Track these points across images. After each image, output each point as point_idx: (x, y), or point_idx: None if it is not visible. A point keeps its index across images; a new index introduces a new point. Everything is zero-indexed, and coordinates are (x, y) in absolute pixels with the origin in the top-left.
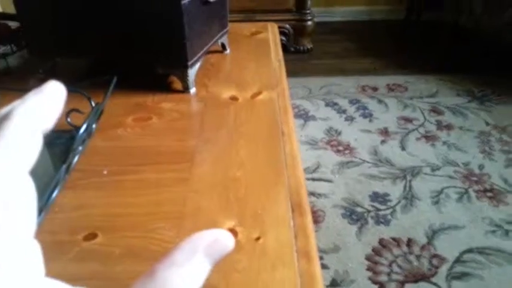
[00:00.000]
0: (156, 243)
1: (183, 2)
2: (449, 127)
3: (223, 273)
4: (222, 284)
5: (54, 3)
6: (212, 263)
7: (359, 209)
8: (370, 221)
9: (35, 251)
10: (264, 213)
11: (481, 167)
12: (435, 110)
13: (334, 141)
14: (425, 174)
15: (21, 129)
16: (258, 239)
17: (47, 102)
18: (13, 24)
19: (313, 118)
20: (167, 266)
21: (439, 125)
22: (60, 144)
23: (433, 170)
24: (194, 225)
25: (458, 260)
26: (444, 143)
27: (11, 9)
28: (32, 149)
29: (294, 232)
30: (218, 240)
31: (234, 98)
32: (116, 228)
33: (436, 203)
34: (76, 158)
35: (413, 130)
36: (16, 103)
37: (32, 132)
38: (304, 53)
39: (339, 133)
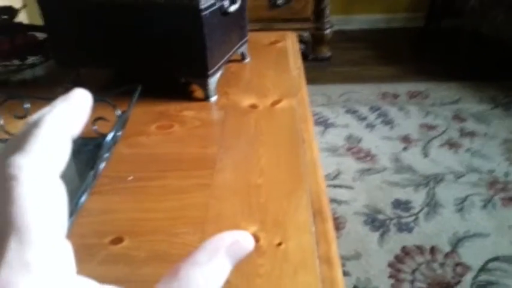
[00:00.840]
0: (179, 247)
1: (203, 14)
2: (472, 134)
3: (246, 277)
4: None
5: (80, 16)
6: (233, 263)
7: (381, 216)
8: (393, 228)
9: (67, 250)
10: (286, 219)
11: (506, 174)
12: (458, 117)
13: (354, 148)
14: (449, 181)
15: (51, 136)
16: (279, 244)
17: (75, 109)
18: (40, 36)
19: (333, 125)
20: (190, 265)
21: (462, 132)
22: (87, 151)
23: (456, 177)
24: (216, 230)
25: (483, 269)
26: (468, 150)
27: (38, 21)
28: (62, 154)
29: (316, 238)
30: (239, 241)
31: (254, 106)
32: (141, 233)
33: (460, 210)
34: (103, 165)
35: (436, 137)
36: (45, 110)
37: (62, 138)
38: (323, 61)
39: (359, 140)
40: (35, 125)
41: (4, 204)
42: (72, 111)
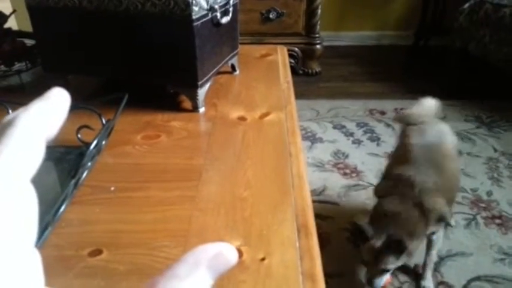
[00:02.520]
0: (161, 261)
1: (195, 24)
2: (457, 153)
3: None
4: None
5: (70, 23)
6: (215, 277)
7: (365, 234)
8: None
9: (36, 260)
10: (270, 234)
11: (489, 193)
12: None
13: (341, 164)
14: None
15: (24, 137)
16: (263, 259)
17: (51, 109)
18: (29, 42)
19: (321, 140)
20: (169, 279)
21: None
22: (69, 159)
23: None
24: (199, 244)
25: None
26: None
27: (27, 27)
28: (35, 157)
29: (300, 254)
30: (221, 253)
31: (242, 118)
32: (121, 245)
33: (444, 228)
34: (85, 174)
35: None
36: (19, 110)
37: (35, 139)
38: (312, 76)
39: (346, 156)
40: (9, 124)
41: None
42: (48, 112)
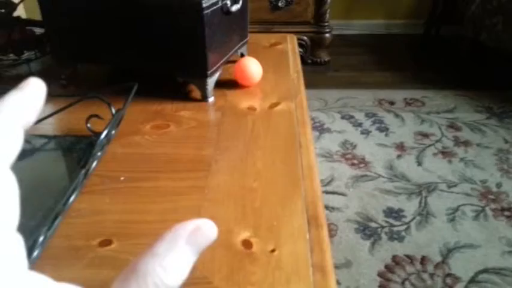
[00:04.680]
0: None
1: (204, 12)
2: (466, 144)
3: (237, 285)
4: None
5: (79, 12)
6: (196, 252)
7: (373, 224)
8: (384, 236)
9: (18, 244)
10: (280, 225)
11: (498, 185)
12: (453, 126)
13: (349, 155)
14: (442, 190)
15: (2, 125)
16: (273, 251)
17: (28, 98)
18: (38, 31)
19: (329, 130)
20: (148, 257)
21: (457, 141)
22: (79, 149)
23: (449, 186)
24: None
25: (473, 280)
26: (461, 159)
27: (36, 16)
28: (13, 144)
29: (310, 245)
30: (200, 229)
31: (251, 108)
32: (131, 235)
33: (452, 220)
34: (95, 164)
35: (430, 145)
36: None
37: (13, 128)
38: (321, 65)
39: (354, 146)
40: None
41: None
42: (25, 100)
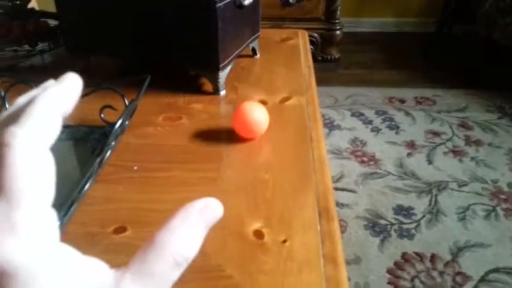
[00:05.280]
0: None
1: (218, 5)
2: (478, 143)
3: (250, 274)
4: (248, 285)
5: (93, 4)
6: (206, 227)
7: (382, 221)
8: (393, 234)
9: (52, 218)
10: (291, 217)
11: (510, 185)
12: (464, 125)
13: (358, 152)
14: (452, 189)
15: (43, 112)
16: (284, 241)
17: (66, 90)
18: (52, 23)
19: (339, 127)
20: (165, 231)
21: (468, 141)
22: (92, 139)
23: (460, 185)
24: (220, 225)
25: (483, 279)
26: (472, 158)
27: (48, 8)
28: (53, 129)
29: (321, 237)
30: (208, 206)
31: (263, 102)
32: (145, 223)
33: (462, 219)
34: (109, 153)
35: (441, 144)
36: (37, 90)
37: (53, 115)
38: (331, 62)
39: (364, 144)
40: (29, 103)
41: None
42: (63, 92)
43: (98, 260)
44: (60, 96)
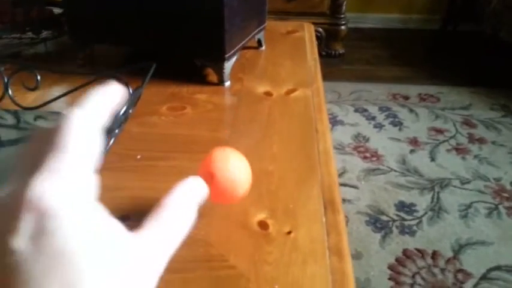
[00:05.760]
0: None
1: None
2: (481, 141)
3: (254, 264)
4: (252, 274)
5: None
6: (195, 207)
7: (384, 218)
8: (395, 230)
9: (91, 178)
10: (296, 208)
11: None
12: (467, 123)
13: (361, 148)
14: (454, 186)
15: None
16: (289, 233)
17: (108, 104)
18: (56, 11)
19: (341, 123)
20: (170, 197)
21: (471, 138)
22: None
23: (462, 183)
24: (223, 214)
25: (484, 277)
26: (475, 156)
27: None
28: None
29: (326, 229)
30: (193, 188)
31: (268, 94)
32: (147, 212)
33: (464, 217)
34: (112, 141)
35: (444, 141)
36: (82, 104)
37: (94, 135)
38: (335, 58)
39: (367, 139)
40: (74, 121)
41: (54, 139)
42: (103, 107)
43: (118, 222)
44: (100, 113)
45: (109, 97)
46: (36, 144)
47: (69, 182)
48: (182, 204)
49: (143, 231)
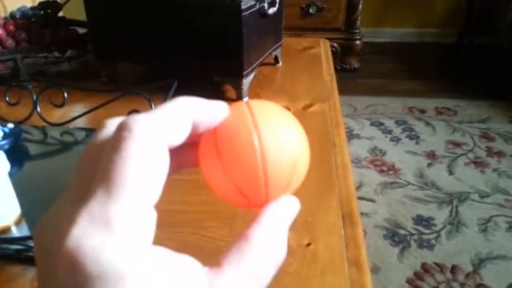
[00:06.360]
0: (208, 240)
1: (243, 14)
2: (500, 154)
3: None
4: (273, 285)
5: (120, 14)
6: (288, 226)
7: (402, 231)
8: (413, 244)
9: (152, 218)
10: (315, 221)
11: None
12: (486, 136)
13: (378, 161)
14: (473, 200)
15: (174, 110)
16: (308, 244)
17: (205, 104)
18: (81, 31)
19: (358, 136)
20: (258, 230)
21: (490, 152)
22: None
23: (481, 196)
24: (244, 227)
25: None
26: (494, 170)
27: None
28: (179, 129)
29: (345, 241)
30: (288, 206)
31: (285, 109)
32: (171, 224)
33: (484, 231)
34: None
35: (462, 155)
36: (148, 120)
37: (184, 117)
38: (351, 72)
39: (384, 153)
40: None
41: (110, 152)
42: (201, 103)
43: (191, 258)
44: (197, 105)
45: (201, 111)
46: (92, 157)
47: (119, 230)
48: (271, 238)
49: (223, 274)
